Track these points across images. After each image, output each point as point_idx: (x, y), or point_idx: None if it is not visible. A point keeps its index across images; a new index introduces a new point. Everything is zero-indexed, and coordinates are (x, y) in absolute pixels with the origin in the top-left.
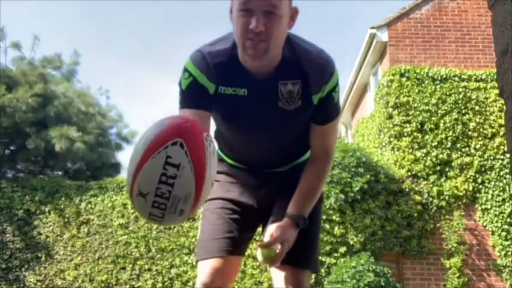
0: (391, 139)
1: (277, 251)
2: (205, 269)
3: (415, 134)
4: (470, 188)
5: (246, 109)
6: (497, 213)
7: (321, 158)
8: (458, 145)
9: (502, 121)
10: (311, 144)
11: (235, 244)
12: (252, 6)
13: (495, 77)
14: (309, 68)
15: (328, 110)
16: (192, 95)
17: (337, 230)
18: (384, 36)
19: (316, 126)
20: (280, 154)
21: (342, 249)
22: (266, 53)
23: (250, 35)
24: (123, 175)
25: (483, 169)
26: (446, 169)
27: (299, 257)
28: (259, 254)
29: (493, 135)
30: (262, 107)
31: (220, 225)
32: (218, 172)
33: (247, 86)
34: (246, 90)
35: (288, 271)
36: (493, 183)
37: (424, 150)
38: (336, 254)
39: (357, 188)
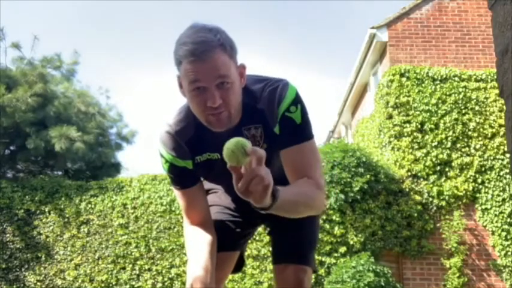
0: (391, 139)
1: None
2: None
3: (415, 134)
4: (470, 188)
5: (222, 167)
6: (497, 213)
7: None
8: (458, 145)
9: (502, 121)
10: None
11: (226, 240)
12: (203, 84)
13: (495, 77)
14: (263, 103)
15: (289, 132)
16: (176, 176)
17: (337, 230)
18: (383, 36)
19: (282, 153)
20: None
21: (342, 249)
22: (230, 119)
23: (210, 111)
24: (123, 175)
25: (483, 169)
26: (446, 169)
27: (297, 254)
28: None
29: (493, 135)
30: None
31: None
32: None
33: (219, 149)
34: (219, 154)
35: (287, 270)
36: (493, 183)
37: (424, 150)
38: (336, 254)
39: (357, 188)
